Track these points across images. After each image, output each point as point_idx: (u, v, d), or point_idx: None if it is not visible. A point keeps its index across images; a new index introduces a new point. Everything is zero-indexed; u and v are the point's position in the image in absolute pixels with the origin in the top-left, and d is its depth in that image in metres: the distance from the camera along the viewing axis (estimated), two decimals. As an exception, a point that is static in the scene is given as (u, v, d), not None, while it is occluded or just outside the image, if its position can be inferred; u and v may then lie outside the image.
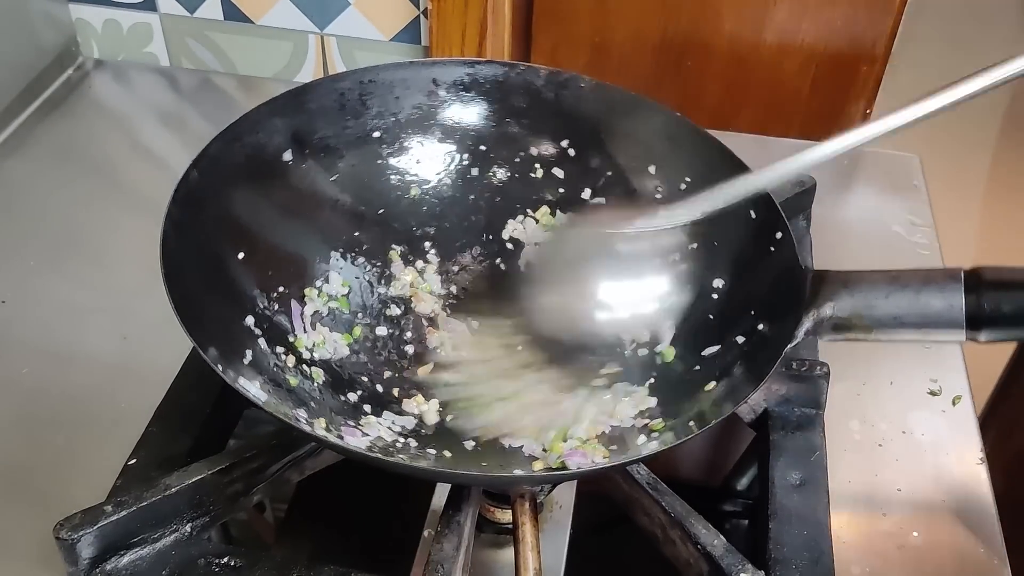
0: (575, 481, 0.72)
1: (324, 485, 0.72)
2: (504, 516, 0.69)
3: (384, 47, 1.05)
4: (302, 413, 0.62)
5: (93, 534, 0.58)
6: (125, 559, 0.60)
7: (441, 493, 0.70)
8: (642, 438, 0.64)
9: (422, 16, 1.02)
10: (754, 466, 0.83)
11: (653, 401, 0.68)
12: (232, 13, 1.06)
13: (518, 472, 0.63)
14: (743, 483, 0.86)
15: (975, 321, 0.59)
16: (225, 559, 0.61)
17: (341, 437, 0.61)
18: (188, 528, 0.62)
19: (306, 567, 0.61)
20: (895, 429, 0.74)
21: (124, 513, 0.59)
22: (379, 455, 0.60)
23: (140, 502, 0.59)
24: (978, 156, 1.20)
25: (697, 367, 0.68)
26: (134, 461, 0.66)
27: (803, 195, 0.85)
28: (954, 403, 0.76)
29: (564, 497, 0.72)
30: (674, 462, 0.89)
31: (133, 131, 1.03)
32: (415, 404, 0.68)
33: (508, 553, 0.68)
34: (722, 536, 0.61)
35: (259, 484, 0.65)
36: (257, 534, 0.90)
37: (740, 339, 0.66)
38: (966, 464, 0.72)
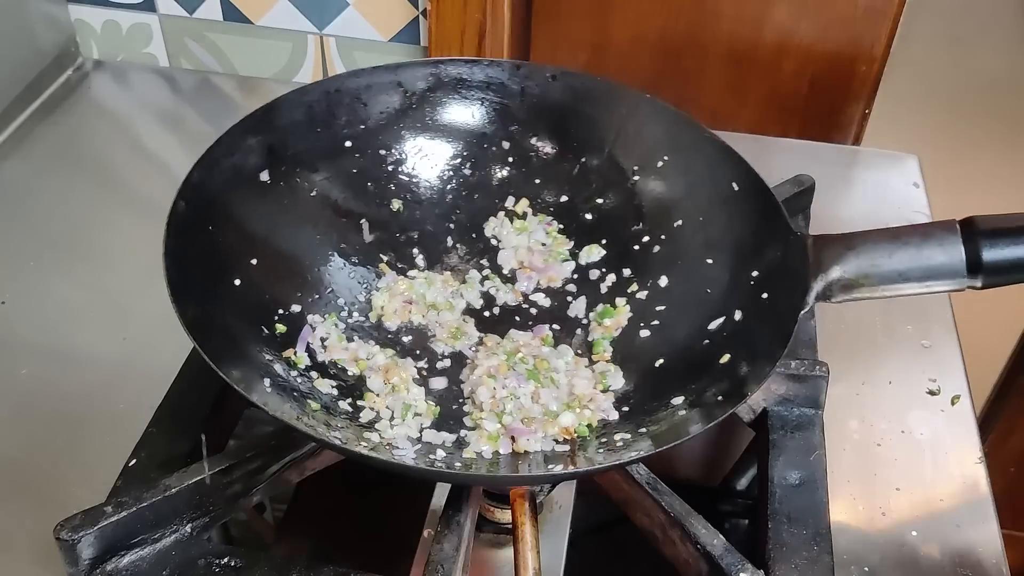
0: (574, 481, 0.72)
1: (323, 485, 0.72)
2: (504, 516, 0.69)
3: (383, 47, 1.05)
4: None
5: (93, 535, 0.58)
6: (125, 559, 0.60)
7: (441, 493, 0.70)
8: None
9: (421, 16, 1.02)
10: (753, 466, 0.83)
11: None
12: (231, 14, 1.07)
13: (519, 472, 0.63)
14: (742, 483, 0.86)
15: (974, 268, 0.61)
16: (225, 559, 0.61)
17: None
18: (188, 528, 0.62)
19: (306, 567, 0.61)
20: (894, 429, 0.74)
21: (124, 514, 0.59)
22: (386, 457, 0.60)
23: (140, 503, 0.59)
24: (977, 156, 1.20)
25: (706, 340, 0.67)
26: (134, 462, 0.67)
27: (802, 195, 0.85)
28: (953, 403, 0.76)
29: (563, 497, 0.72)
30: (673, 461, 0.89)
31: (132, 132, 1.03)
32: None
33: (507, 553, 0.68)
34: (721, 536, 0.61)
35: (259, 484, 0.65)
36: (257, 534, 0.90)
37: (741, 312, 0.66)
38: (965, 464, 0.72)
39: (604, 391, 0.68)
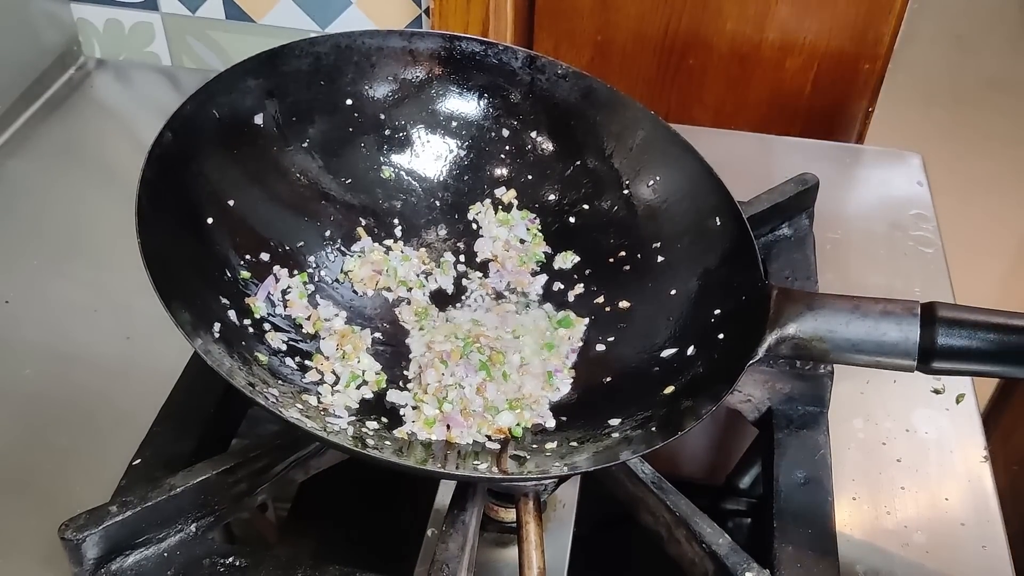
0: (578, 479, 0.72)
1: (326, 484, 0.72)
2: (508, 515, 0.69)
3: (386, 46, 1.05)
4: (273, 393, 0.61)
5: (98, 534, 0.58)
6: (130, 559, 0.60)
7: (444, 492, 0.70)
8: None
9: (424, 15, 1.02)
10: (756, 464, 0.83)
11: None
12: (233, 12, 1.06)
13: (526, 470, 0.62)
14: (745, 481, 0.86)
15: (927, 354, 0.61)
16: (230, 559, 0.61)
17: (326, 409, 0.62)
18: (193, 528, 0.62)
19: (311, 567, 0.61)
20: (899, 427, 0.74)
21: (129, 513, 0.59)
22: (390, 457, 0.60)
23: (145, 502, 0.59)
24: (981, 154, 1.20)
25: (656, 368, 0.67)
26: (138, 461, 0.66)
27: (806, 193, 0.85)
28: (958, 401, 0.76)
29: (567, 496, 0.72)
30: (676, 460, 0.89)
31: (135, 130, 1.03)
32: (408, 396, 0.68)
33: (511, 552, 0.68)
34: (727, 535, 0.61)
35: (264, 484, 0.65)
36: (259, 533, 0.90)
37: (695, 348, 0.66)
38: (970, 462, 0.72)
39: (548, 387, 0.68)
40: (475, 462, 0.62)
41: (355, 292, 0.73)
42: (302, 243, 0.72)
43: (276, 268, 0.69)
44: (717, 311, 0.67)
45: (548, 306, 0.74)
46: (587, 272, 0.75)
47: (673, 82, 1.10)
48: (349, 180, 0.75)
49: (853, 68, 1.06)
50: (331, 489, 0.81)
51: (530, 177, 0.79)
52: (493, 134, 0.79)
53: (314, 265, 0.72)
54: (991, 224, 1.24)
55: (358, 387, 0.66)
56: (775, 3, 1.03)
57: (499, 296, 0.75)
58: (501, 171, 0.79)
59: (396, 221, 0.76)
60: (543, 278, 0.76)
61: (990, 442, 0.74)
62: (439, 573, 0.57)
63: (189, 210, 0.66)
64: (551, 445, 0.63)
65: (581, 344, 0.72)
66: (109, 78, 1.09)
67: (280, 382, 0.63)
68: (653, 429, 0.61)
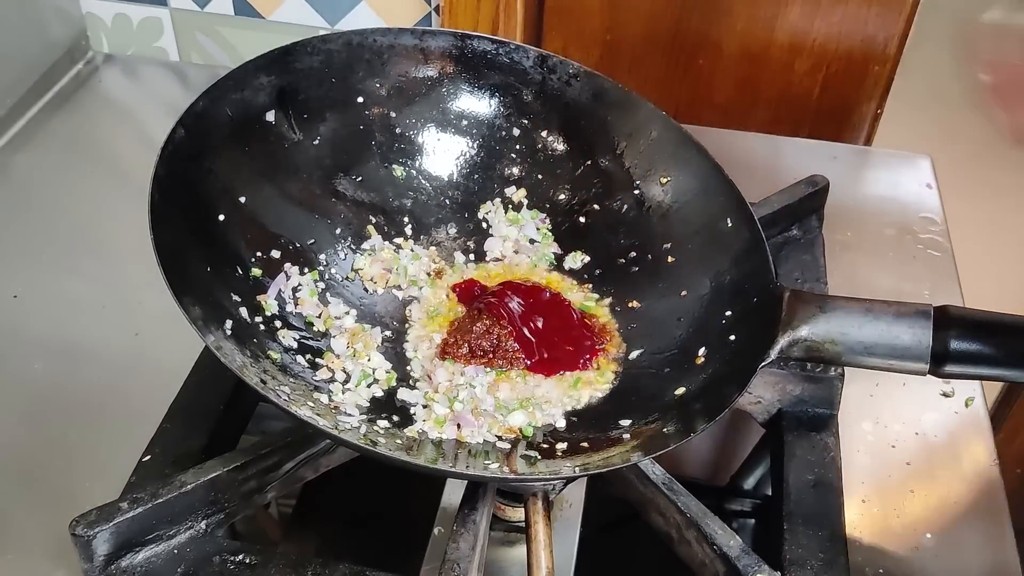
0: (585, 480, 0.72)
1: (331, 482, 0.72)
2: (515, 514, 0.69)
3: (395, 43, 1.05)
4: (284, 391, 0.61)
5: (109, 531, 0.58)
6: (140, 556, 0.60)
7: (450, 491, 0.70)
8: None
9: (433, 12, 1.02)
10: (761, 465, 0.83)
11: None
12: (242, 8, 1.06)
13: (537, 471, 0.62)
14: (750, 483, 0.86)
15: (939, 357, 0.61)
16: (240, 556, 0.61)
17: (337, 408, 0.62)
18: (203, 525, 0.62)
19: (321, 564, 0.61)
20: (908, 430, 0.74)
21: (140, 510, 0.59)
22: (401, 455, 0.60)
23: (156, 499, 0.59)
24: (990, 156, 1.20)
25: (667, 369, 0.67)
26: (148, 458, 0.66)
27: (816, 195, 0.85)
28: (967, 404, 0.76)
29: (574, 495, 0.71)
30: (679, 460, 0.88)
31: (143, 125, 1.03)
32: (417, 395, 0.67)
33: (518, 551, 0.68)
34: (738, 537, 0.60)
35: (273, 481, 0.65)
36: (263, 531, 0.90)
37: (706, 349, 0.66)
38: (979, 466, 0.72)
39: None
40: (486, 461, 0.62)
41: (365, 290, 0.73)
42: (313, 240, 0.72)
43: (287, 265, 0.69)
44: (728, 312, 0.67)
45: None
46: (597, 272, 0.75)
47: (682, 82, 1.10)
48: (359, 178, 0.75)
49: (862, 70, 1.06)
50: (334, 487, 0.81)
51: (540, 176, 0.79)
52: (504, 133, 0.79)
53: (324, 263, 0.72)
54: (1000, 227, 1.24)
55: (369, 385, 0.66)
56: (785, 4, 1.03)
57: None
58: (512, 170, 0.79)
59: (406, 219, 0.76)
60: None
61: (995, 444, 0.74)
62: (450, 572, 0.57)
63: (201, 207, 0.66)
64: (562, 445, 0.63)
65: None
66: (117, 73, 1.09)
67: (291, 379, 0.63)
68: (664, 431, 0.61)
